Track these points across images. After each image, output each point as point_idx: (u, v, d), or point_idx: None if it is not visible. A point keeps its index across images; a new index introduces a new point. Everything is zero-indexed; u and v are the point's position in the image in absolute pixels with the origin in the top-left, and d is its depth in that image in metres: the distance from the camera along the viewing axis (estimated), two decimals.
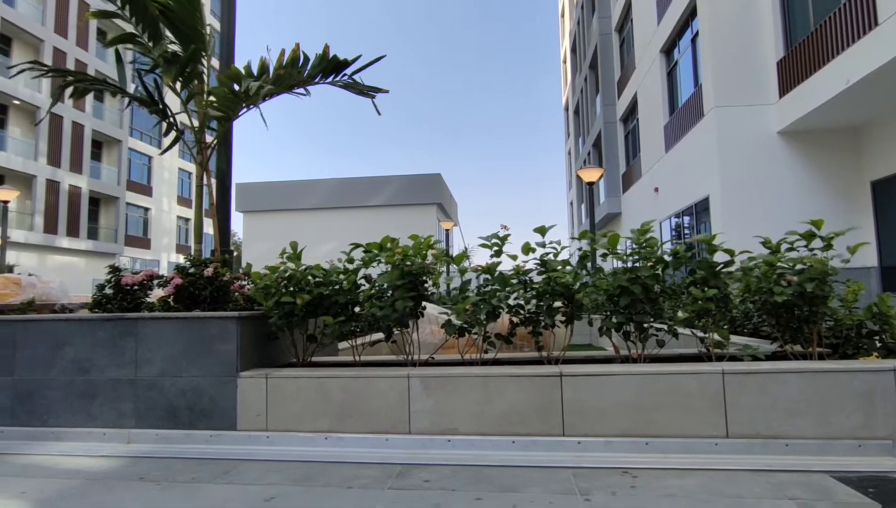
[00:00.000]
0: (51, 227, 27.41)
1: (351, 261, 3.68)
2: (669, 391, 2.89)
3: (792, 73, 9.92)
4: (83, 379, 3.49)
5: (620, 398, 2.93)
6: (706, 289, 3.23)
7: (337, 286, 3.60)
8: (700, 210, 12.04)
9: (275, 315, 3.49)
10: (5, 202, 15.04)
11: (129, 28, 4.15)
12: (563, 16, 37.60)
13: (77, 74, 4.19)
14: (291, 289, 3.55)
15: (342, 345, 4.94)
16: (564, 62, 36.93)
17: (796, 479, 2.50)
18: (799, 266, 3.21)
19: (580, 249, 3.56)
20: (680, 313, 3.54)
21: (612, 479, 2.57)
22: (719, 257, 3.41)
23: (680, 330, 3.48)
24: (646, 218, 15.27)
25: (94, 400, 3.46)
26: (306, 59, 4.00)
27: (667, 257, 3.36)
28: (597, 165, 22.23)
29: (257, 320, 3.59)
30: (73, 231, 28.75)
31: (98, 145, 31.80)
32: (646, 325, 3.30)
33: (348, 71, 4.16)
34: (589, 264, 3.56)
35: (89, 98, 29.66)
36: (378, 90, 4.29)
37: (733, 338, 3.87)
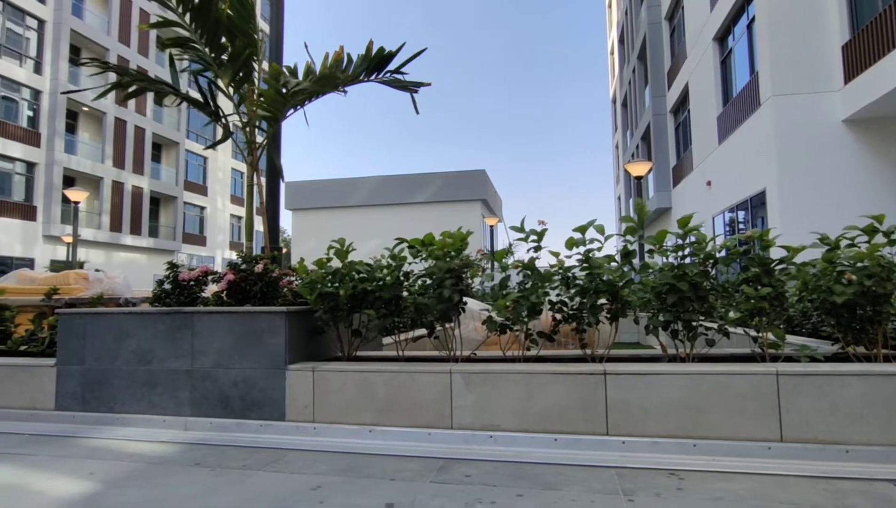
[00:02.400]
0: (116, 225, 29.11)
1: (394, 257, 3.74)
2: (719, 391, 2.80)
3: (858, 57, 9.31)
4: (145, 369, 3.71)
5: (667, 398, 2.85)
6: (760, 287, 3.10)
7: (380, 282, 3.67)
8: (756, 204, 11.51)
9: (320, 309, 3.60)
10: (76, 203, 16.08)
11: (186, 35, 4.35)
12: (610, 6, 36.65)
13: (134, 73, 4.43)
14: (336, 283, 3.64)
15: (386, 341, 5.03)
16: (612, 54, 36.02)
17: (857, 487, 2.37)
18: (861, 264, 3.03)
19: (626, 243, 3.48)
20: (732, 313, 3.41)
21: (658, 480, 2.51)
22: (776, 253, 3.26)
23: (732, 330, 3.35)
24: (698, 213, 14.73)
25: (155, 389, 3.67)
26: (350, 59, 4.09)
27: (717, 253, 3.24)
28: (645, 158, 21.59)
29: (305, 314, 3.70)
30: (135, 229, 30.44)
31: (158, 148, 33.48)
32: (694, 324, 3.20)
33: (391, 67, 4.22)
34: (635, 261, 3.48)
35: (150, 104, 31.26)
36: (420, 84, 4.34)
37: (790, 338, 3.69)
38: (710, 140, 14.36)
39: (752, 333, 3.29)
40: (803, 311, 3.87)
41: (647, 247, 3.52)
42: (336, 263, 3.77)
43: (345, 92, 4.37)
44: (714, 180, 14.23)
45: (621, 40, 30.09)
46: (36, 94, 25.41)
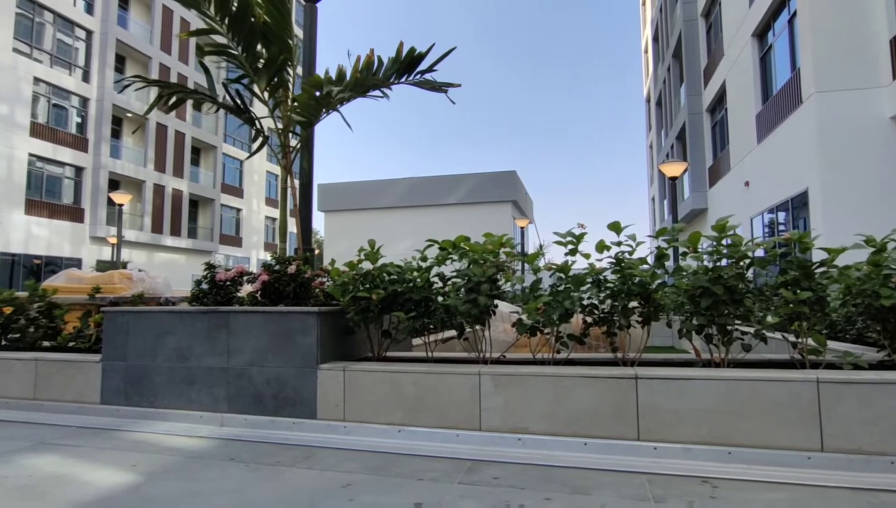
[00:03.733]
0: (157, 227, 30.17)
1: (425, 259, 3.77)
2: (755, 398, 2.72)
3: None
4: (183, 366, 3.84)
5: (701, 404, 2.79)
6: (798, 291, 3.00)
7: (411, 284, 3.70)
8: (798, 205, 11.11)
9: (352, 310, 3.65)
10: (120, 205, 16.74)
11: (224, 42, 4.49)
12: (644, 4, 35.98)
13: (174, 85, 4.61)
14: (367, 286, 3.70)
15: (415, 342, 5.07)
16: (646, 52, 35.34)
17: None
18: None
19: (658, 247, 3.42)
20: (769, 317, 3.31)
21: (690, 488, 2.46)
22: (817, 256, 3.15)
23: (770, 335, 3.25)
24: (735, 214, 14.32)
25: (193, 385, 3.80)
26: (380, 62, 4.14)
27: (752, 255, 3.15)
28: (681, 158, 21.08)
29: (336, 315, 3.77)
30: (175, 231, 31.48)
31: (196, 152, 34.56)
32: (729, 328, 3.12)
33: (421, 68, 4.26)
34: (668, 263, 3.41)
35: (189, 109, 32.32)
36: (450, 85, 4.37)
37: (832, 344, 3.56)
38: (749, 139, 13.93)
39: (791, 338, 3.18)
40: (846, 316, 3.73)
41: (680, 250, 3.45)
42: (367, 265, 3.82)
43: (386, 96, 4.43)
44: (753, 181, 13.80)
45: (655, 38, 29.49)
46: (84, 101, 26.58)
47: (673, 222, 13.18)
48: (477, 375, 3.19)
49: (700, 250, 3.29)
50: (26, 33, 23.78)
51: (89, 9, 26.73)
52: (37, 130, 24.07)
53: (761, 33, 13.37)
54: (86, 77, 26.62)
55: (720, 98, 17.27)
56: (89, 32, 26.72)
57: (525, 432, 3.05)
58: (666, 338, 8.65)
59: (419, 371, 3.32)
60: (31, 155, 23.80)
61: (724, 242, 3.20)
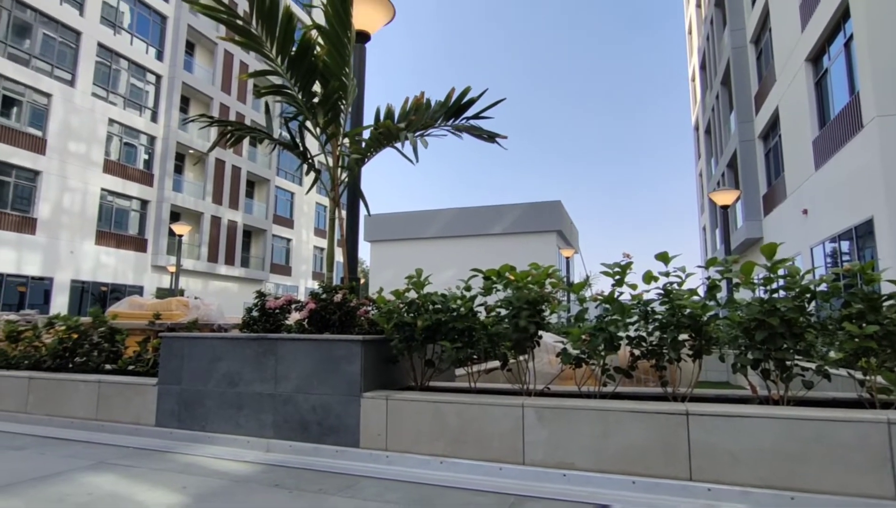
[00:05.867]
0: (213, 256, 31.59)
1: (469, 288, 3.78)
2: (819, 440, 2.55)
3: None
4: (233, 391, 3.96)
5: (758, 444, 2.64)
6: (865, 324, 2.82)
7: (454, 312, 3.72)
8: (862, 234, 10.50)
9: (395, 339, 3.69)
10: (180, 236, 17.68)
11: (279, 82, 4.75)
12: (689, 32, 35.66)
13: (234, 123, 4.90)
14: (412, 314, 3.74)
15: (459, 372, 5.04)
16: (693, 80, 34.82)
17: None
18: None
19: (708, 278, 3.31)
20: (833, 353, 3.11)
21: None
22: (886, 288, 2.96)
23: (833, 371, 3.06)
24: (792, 244, 13.66)
25: (241, 411, 3.90)
26: (429, 104, 4.28)
27: (813, 287, 2.99)
28: (732, 186, 20.43)
29: (380, 343, 3.81)
30: (229, 260, 32.85)
31: (251, 184, 36.24)
32: (788, 363, 2.95)
33: (468, 114, 4.38)
34: (721, 295, 3.29)
35: (245, 144, 34.09)
36: (497, 136, 4.47)
37: None
38: (806, 166, 13.38)
39: (858, 375, 2.98)
40: None
41: (733, 280, 3.32)
42: (412, 294, 3.87)
43: (428, 137, 4.55)
44: (811, 209, 13.18)
45: (703, 66, 29.07)
46: (151, 139, 28.53)
47: (726, 252, 12.68)
48: (520, 407, 3.14)
49: (755, 280, 3.16)
50: (104, 79, 25.92)
51: (160, 56, 28.94)
52: (108, 167, 25.95)
53: (815, 58, 12.97)
54: (154, 117, 28.64)
55: (773, 124, 16.74)
56: (158, 77, 28.85)
57: (570, 467, 2.95)
58: (720, 373, 8.24)
59: (462, 402, 3.30)
60: (102, 189, 25.62)
61: (779, 271, 3.07)
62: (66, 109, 23.84)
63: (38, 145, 22.83)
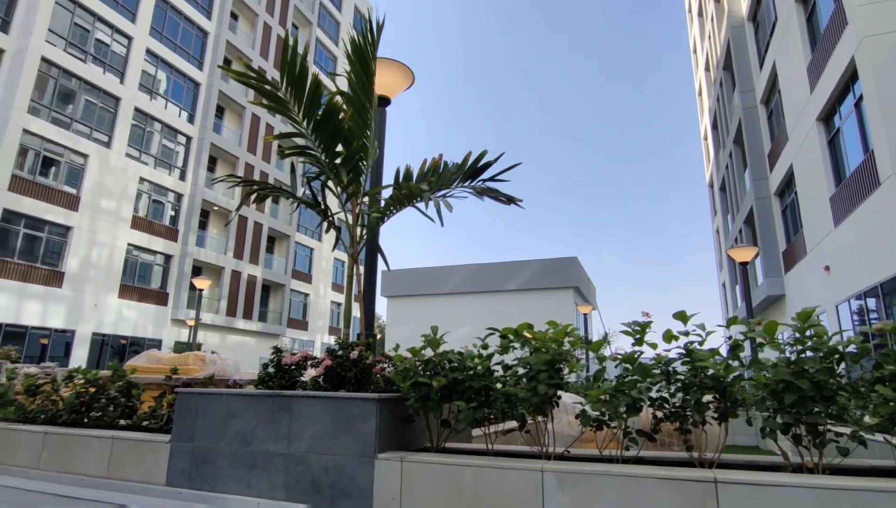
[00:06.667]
0: (231, 310, 31.86)
1: (485, 346, 3.74)
2: None
3: None
4: (246, 450, 3.89)
5: None
6: None
7: (471, 371, 3.66)
8: (889, 291, 10.24)
9: (412, 398, 3.63)
10: (201, 290, 17.94)
11: (302, 143, 4.97)
12: (700, 94, 36.56)
13: (260, 183, 5.08)
14: (428, 373, 3.69)
15: (475, 433, 4.90)
16: (705, 139, 35.37)
17: None
18: None
19: (730, 337, 3.23)
20: (867, 417, 2.98)
21: None
22: None
23: (869, 437, 2.91)
24: (816, 301, 13.33)
25: (253, 470, 3.82)
26: (446, 166, 4.43)
27: (842, 348, 2.90)
28: (750, 243, 20.25)
29: (395, 402, 3.75)
30: (247, 314, 33.07)
31: (272, 240, 37.01)
32: (821, 428, 2.82)
33: (485, 176, 4.51)
34: (744, 354, 3.20)
35: (268, 201, 35.13)
36: (515, 200, 4.57)
37: None
38: (825, 222, 13.27)
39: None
40: None
41: (757, 340, 3.24)
42: (429, 351, 3.84)
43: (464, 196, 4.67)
44: (834, 265, 12.95)
45: (714, 126, 29.59)
46: (178, 197, 29.58)
47: (747, 309, 12.41)
48: (540, 471, 3.03)
49: (779, 340, 3.08)
50: (138, 140, 27.28)
51: (191, 119, 30.51)
52: (136, 223, 26.84)
53: (826, 117, 13.14)
54: (182, 176, 29.82)
55: (788, 182, 16.77)
56: (189, 138, 30.28)
57: None
58: (749, 437, 7.88)
59: (478, 465, 3.20)
60: (129, 244, 26.39)
61: (807, 332, 2.99)
62: (100, 168, 24.99)
63: (72, 202, 23.80)
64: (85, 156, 24.44)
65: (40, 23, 22.48)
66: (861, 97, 10.87)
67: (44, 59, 22.69)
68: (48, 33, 22.89)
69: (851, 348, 2.97)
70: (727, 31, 22.47)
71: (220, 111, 33.09)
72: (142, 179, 27.26)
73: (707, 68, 31.60)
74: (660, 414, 3.23)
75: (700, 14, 32.88)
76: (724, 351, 3.22)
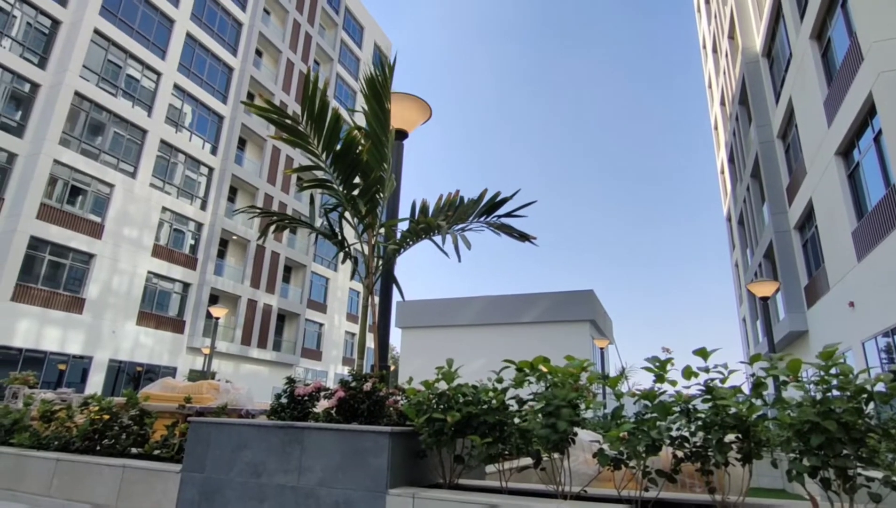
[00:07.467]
0: (246, 339, 31.97)
1: (500, 380, 3.68)
2: None
3: None
4: (256, 482, 3.84)
5: None
6: None
7: (486, 405, 3.60)
8: None
9: (425, 432, 3.57)
10: (217, 318, 18.07)
11: (321, 175, 5.06)
12: (715, 128, 36.63)
13: (279, 214, 5.17)
14: (442, 407, 3.63)
15: (489, 469, 4.78)
16: (722, 173, 35.24)
17: None
18: None
19: (752, 374, 3.15)
20: None
21: None
22: None
23: None
24: (840, 338, 12.95)
25: (262, 504, 3.76)
26: (462, 201, 4.48)
27: (870, 387, 2.80)
28: (770, 277, 19.88)
29: (408, 436, 3.69)
30: (262, 343, 33.14)
31: (288, 270, 37.34)
32: (851, 472, 2.70)
33: (500, 212, 4.55)
34: (767, 393, 3.11)
35: (285, 232, 35.63)
36: (529, 237, 4.59)
37: None
38: (848, 257, 13.00)
39: None
40: None
41: (780, 377, 3.15)
42: (443, 384, 3.79)
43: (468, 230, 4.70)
44: (859, 301, 12.62)
45: (731, 160, 29.52)
46: (199, 226, 30.17)
47: (769, 345, 12.10)
48: None
49: (802, 378, 2.99)
50: (162, 171, 28.07)
51: (214, 150, 31.36)
52: (157, 251, 27.35)
53: (845, 152, 13.04)
54: (203, 205, 30.47)
55: (808, 216, 16.56)
56: (211, 169, 31.07)
57: None
58: (773, 479, 7.56)
59: (492, 503, 3.11)
60: (149, 272, 26.83)
61: (832, 370, 2.89)
62: (125, 197, 25.68)
63: (96, 231, 24.41)
64: (111, 186, 25.17)
65: (76, 59, 23.56)
66: (880, 131, 10.79)
67: (77, 94, 23.68)
68: (82, 69, 23.93)
69: (880, 386, 2.86)
70: (742, 67, 22.63)
71: (241, 143, 33.98)
72: (164, 209, 27.91)
73: (722, 103, 31.74)
74: (680, 454, 3.13)
75: (714, 50, 33.24)
76: (746, 389, 3.13)
